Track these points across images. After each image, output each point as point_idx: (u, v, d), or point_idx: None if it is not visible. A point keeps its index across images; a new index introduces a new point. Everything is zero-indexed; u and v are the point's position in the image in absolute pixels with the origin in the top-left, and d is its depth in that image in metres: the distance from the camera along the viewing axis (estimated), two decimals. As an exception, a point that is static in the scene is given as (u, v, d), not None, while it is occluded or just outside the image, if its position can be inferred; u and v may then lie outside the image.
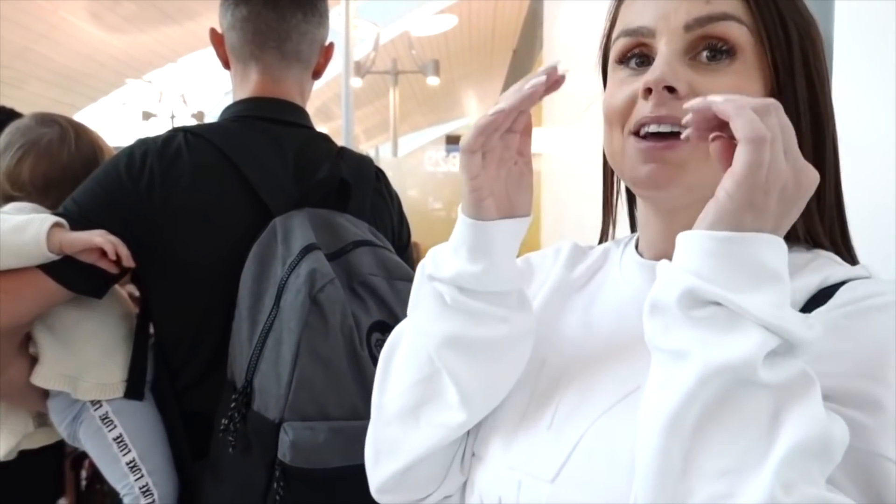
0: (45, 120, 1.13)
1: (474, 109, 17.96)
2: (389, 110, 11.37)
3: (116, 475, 0.98)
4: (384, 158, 9.99)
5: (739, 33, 0.50)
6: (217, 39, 1.12)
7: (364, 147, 16.94)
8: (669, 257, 0.55)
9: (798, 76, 0.52)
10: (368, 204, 1.09)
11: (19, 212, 0.98)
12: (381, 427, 0.58)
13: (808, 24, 0.53)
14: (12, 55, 8.93)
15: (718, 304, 0.40)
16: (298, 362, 0.85)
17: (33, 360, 0.98)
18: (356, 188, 1.05)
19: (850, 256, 0.56)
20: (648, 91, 0.50)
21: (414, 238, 1.24)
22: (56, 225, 0.89)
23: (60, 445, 1.92)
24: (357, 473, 0.66)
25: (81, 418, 1.00)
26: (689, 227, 0.51)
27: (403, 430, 0.57)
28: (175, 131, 1.02)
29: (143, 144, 0.99)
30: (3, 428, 1.05)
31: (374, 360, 0.91)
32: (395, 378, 0.58)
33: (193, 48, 10.99)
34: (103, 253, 0.90)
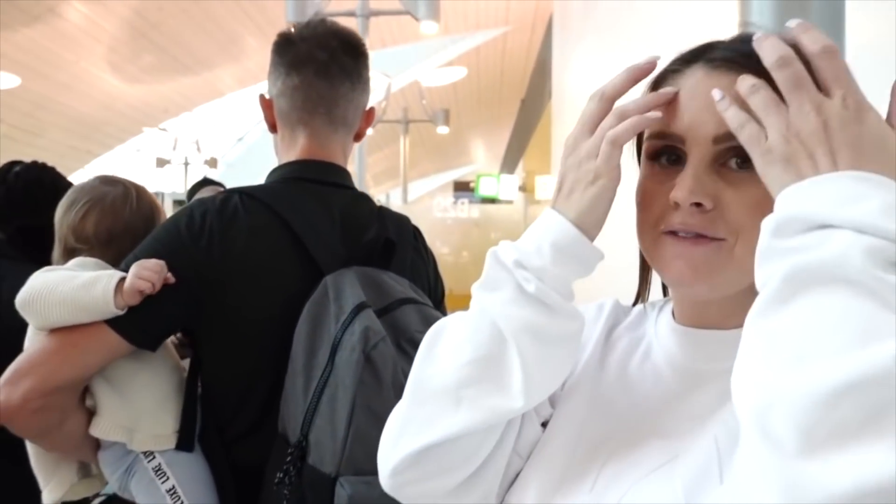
0: (109, 180, 1.19)
1: (481, 157, 18.22)
2: (399, 157, 11.55)
3: None
4: (394, 204, 10.12)
5: None
6: (265, 104, 1.18)
7: (373, 192, 17.12)
8: (703, 326, 0.59)
9: None
10: (409, 262, 1.14)
11: (83, 267, 1.03)
12: (415, 405, 0.58)
13: None
14: (35, 105, 9.18)
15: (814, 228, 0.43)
16: (354, 418, 0.88)
17: (89, 413, 1.01)
18: (398, 247, 1.10)
19: None
20: (677, 204, 0.54)
21: None
22: (121, 281, 0.94)
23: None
24: None
25: (134, 470, 1.03)
26: (723, 309, 0.57)
27: (440, 407, 0.56)
28: (230, 192, 1.07)
29: (202, 205, 1.04)
30: (53, 479, 1.08)
31: (423, 416, 0.96)
32: (442, 356, 0.58)
33: (209, 97, 11.27)
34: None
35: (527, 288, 0.54)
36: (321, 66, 1.12)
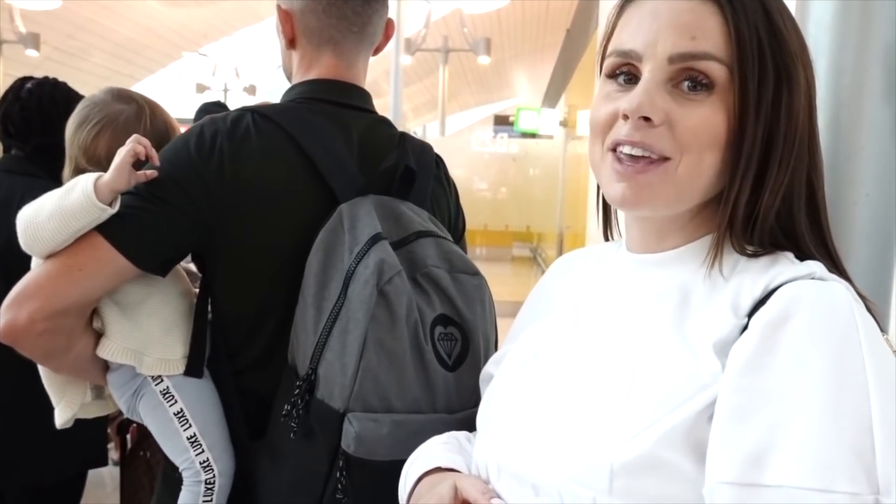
0: (122, 97, 1.14)
1: (524, 89, 17.73)
2: (438, 88, 11.30)
3: (177, 449, 0.99)
4: (431, 137, 9.98)
5: (719, 72, 0.56)
6: (285, 17, 1.10)
7: (411, 125, 16.94)
8: (644, 251, 0.64)
9: (764, 110, 0.56)
10: (429, 192, 1.07)
11: None
12: None
13: (794, 63, 0.57)
14: (77, 26, 9.17)
15: None
16: (365, 354, 0.84)
17: (97, 335, 0.99)
18: (419, 176, 1.03)
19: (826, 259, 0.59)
20: (626, 116, 0.56)
21: None
22: (100, 178, 0.88)
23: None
24: None
25: (142, 393, 1.01)
26: (660, 232, 0.62)
27: None
28: (243, 111, 1.01)
29: (213, 124, 0.98)
30: (63, 399, 1.07)
31: (437, 355, 0.91)
32: None
33: (248, 22, 11.11)
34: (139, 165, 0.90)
35: None
36: None
